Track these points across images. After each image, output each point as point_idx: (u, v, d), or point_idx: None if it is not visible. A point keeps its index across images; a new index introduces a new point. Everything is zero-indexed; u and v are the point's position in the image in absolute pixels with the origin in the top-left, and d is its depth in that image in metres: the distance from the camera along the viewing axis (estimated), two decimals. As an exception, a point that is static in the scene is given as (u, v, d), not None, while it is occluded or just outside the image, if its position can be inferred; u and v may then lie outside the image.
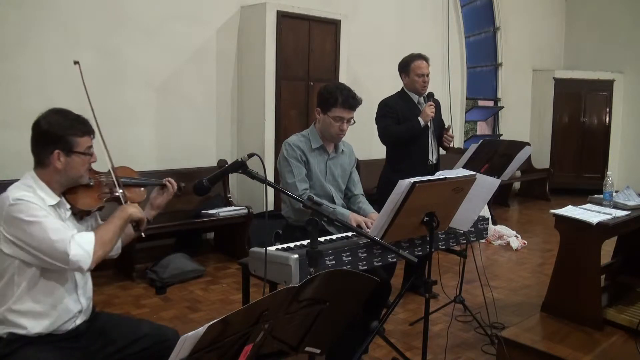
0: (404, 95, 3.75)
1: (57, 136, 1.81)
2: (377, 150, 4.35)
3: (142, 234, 2.02)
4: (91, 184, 1.95)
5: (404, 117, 3.64)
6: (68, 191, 1.90)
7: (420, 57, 3.68)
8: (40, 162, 1.84)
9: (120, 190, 2.01)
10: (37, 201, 1.75)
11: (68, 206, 1.90)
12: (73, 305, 1.86)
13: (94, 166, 1.97)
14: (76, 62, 2.08)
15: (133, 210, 1.94)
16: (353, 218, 2.69)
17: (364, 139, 5.01)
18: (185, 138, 4.87)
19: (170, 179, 2.20)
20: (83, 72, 2.09)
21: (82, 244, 1.74)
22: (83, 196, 1.93)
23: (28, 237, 1.70)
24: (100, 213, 2.06)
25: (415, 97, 3.73)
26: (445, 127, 3.86)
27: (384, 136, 3.70)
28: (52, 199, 1.82)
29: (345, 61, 5.38)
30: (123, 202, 1.98)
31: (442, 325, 3.40)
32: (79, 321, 1.89)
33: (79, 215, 1.96)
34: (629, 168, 8.35)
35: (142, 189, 2.15)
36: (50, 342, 1.79)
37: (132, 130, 4.54)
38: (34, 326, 1.77)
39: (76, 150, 1.83)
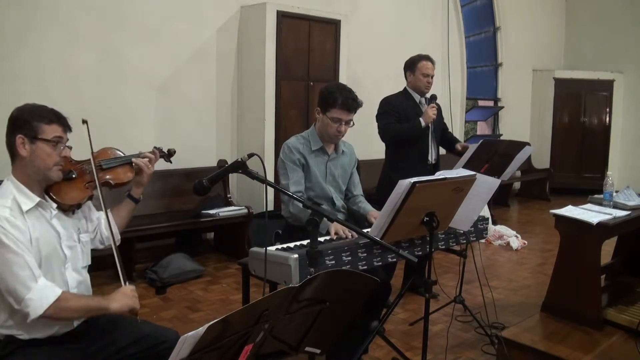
0: (406, 94, 3.78)
1: (22, 121, 1.77)
2: (377, 150, 4.35)
3: (138, 318, 1.92)
4: (74, 175, 1.91)
5: (405, 116, 3.66)
6: (51, 188, 1.85)
7: (428, 58, 3.74)
8: (12, 154, 1.80)
9: (108, 177, 2.01)
10: (9, 223, 1.67)
11: (54, 205, 1.85)
12: None
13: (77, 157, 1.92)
14: (84, 122, 1.96)
15: (115, 306, 1.81)
16: (334, 227, 2.52)
17: (364, 139, 5.01)
18: (185, 138, 4.86)
19: (140, 158, 2.10)
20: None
21: (45, 294, 1.66)
22: (68, 190, 1.88)
23: None
24: (94, 202, 2.02)
25: (417, 97, 3.75)
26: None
27: (384, 133, 3.72)
28: (31, 200, 1.77)
29: (345, 61, 5.38)
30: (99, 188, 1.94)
31: (442, 325, 3.40)
32: (76, 322, 1.87)
33: (70, 210, 1.92)
34: (629, 168, 8.34)
35: (130, 165, 2.09)
36: (49, 343, 1.78)
37: (132, 130, 4.53)
38: (30, 333, 1.76)
39: (41, 137, 1.76)
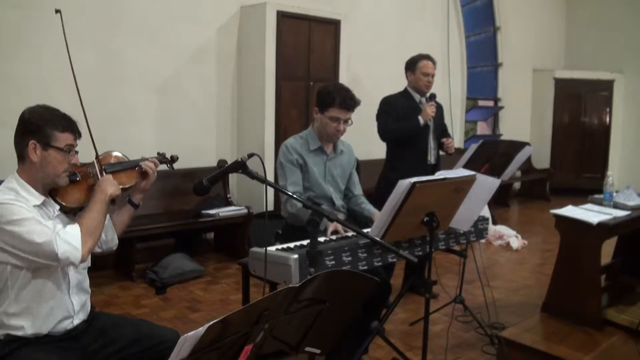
0: (406, 94, 3.78)
1: (36, 126, 1.76)
2: (377, 150, 4.36)
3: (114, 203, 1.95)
4: (77, 178, 1.91)
5: (405, 116, 3.66)
6: (55, 190, 1.86)
7: (428, 57, 3.74)
8: (20, 157, 1.80)
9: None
10: (19, 203, 1.69)
11: (57, 206, 1.86)
12: (66, 304, 1.84)
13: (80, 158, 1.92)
14: (58, 11, 1.95)
15: (112, 190, 1.87)
16: (332, 227, 2.54)
17: (364, 139, 5.01)
18: (185, 138, 4.86)
19: (148, 162, 2.08)
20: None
21: (68, 240, 1.69)
22: (72, 192, 1.89)
23: (15, 241, 1.66)
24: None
25: (417, 97, 3.75)
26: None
27: (382, 133, 3.73)
28: (37, 199, 1.78)
29: (345, 61, 5.38)
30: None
31: (442, 325, 3.40)
32: (76, 321, 1.87)
33: (72, 212, 1.92)
34: (629, 168, 8.34)
35: (134, 170, 2.08)
36: (49, 343, 1.78)
37: (132, 130, 4.54)
38: (30, 327, 1.76)
39: (54, 145, 1.77)
